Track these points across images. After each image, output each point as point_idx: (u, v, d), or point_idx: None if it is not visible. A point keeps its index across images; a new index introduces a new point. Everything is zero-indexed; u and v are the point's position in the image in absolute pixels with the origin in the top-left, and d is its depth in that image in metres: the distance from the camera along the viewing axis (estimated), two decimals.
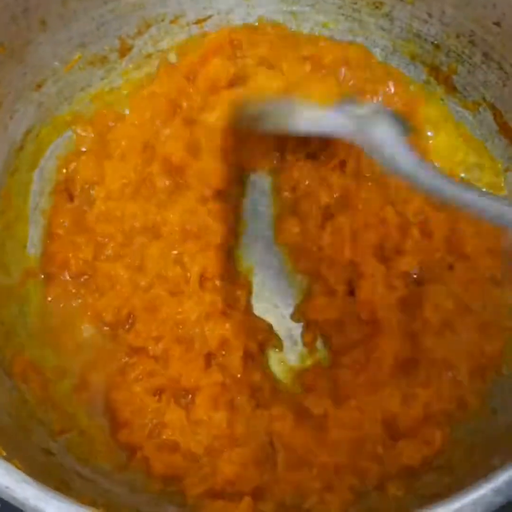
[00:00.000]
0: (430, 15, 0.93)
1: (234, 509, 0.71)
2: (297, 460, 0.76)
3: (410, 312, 0.83)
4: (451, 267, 0.87)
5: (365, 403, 0.78)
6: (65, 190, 0.93)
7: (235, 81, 0.93)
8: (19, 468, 0.57)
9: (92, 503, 0.57)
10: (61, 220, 0.90)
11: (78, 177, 0.92)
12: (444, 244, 0.87)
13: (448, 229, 0.87)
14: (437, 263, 0.86)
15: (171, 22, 1.00)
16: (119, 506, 0.71)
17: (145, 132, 0.92)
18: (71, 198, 0.93)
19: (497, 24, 0.87)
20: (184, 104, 0.93)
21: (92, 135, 0.95)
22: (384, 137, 0.72)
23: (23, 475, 0.56)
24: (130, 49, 0.99)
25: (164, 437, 0.77)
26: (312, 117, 0.82)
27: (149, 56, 1.01)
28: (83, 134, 0.95)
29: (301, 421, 0.78)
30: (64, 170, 0.94)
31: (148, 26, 0.99)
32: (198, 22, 1.01)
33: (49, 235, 0.90)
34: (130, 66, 1.00)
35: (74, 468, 0.74)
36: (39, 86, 0.92)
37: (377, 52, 1.00)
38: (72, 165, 0.94)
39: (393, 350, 0.80)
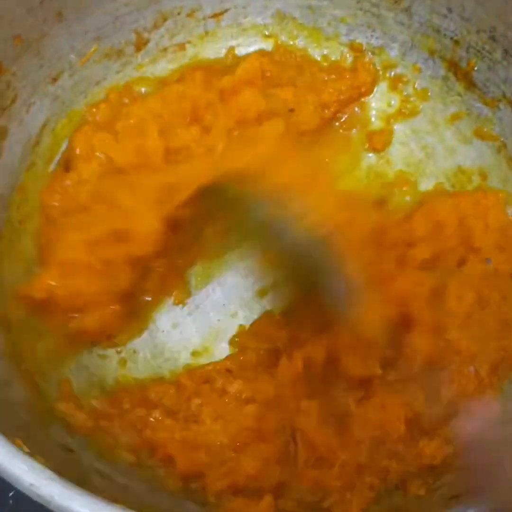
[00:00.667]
0: (450, 10, 0.93)
1: (254, 506, 0.71)
2: (318, 458, 0.76)
3: (436, 305, 0.82)
4: (463, 261, 0.86)
5: (389, 402, 0.77)
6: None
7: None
8: (42, 465, 0.56)
9: (112, 500, 0.57)
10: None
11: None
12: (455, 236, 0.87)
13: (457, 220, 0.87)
14: (450, 255, 0.86)
15: (188, 15, 0.99)
16: (138, 504, 0.70)
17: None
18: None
19: None
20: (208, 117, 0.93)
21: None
22: None
23: (48, 472, 0.55)
24: (146, 43, 0.98)
25: (191, 433, 0.77)
26: None
27: (165, 50, 1.00)
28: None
29: (325, 418, 0.77)
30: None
31: (165, 19, 0.98)
32: (214, 16, 1.00)
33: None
34: (146, 60, 0.99)
35: (93, 465, 0.73)
36: (55, 79, 0.91)
37: (396, 48, 0.99)
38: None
39: (425, 345, 0.80)
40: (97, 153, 0.91)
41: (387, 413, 0.77)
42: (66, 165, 0.92)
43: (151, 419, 0.79)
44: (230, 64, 1.00)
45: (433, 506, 0.67)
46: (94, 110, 0.95)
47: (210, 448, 0.76)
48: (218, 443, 0.77)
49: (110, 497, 0.56)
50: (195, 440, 0.77)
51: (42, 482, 0.54)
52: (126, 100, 0.96)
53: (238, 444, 0.76)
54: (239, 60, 0.99)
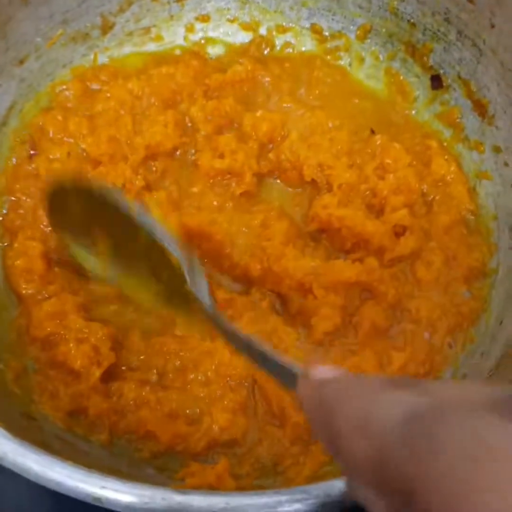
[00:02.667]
0: None
1: (210, 470, 0.73)
2: (272, 415, 0.79)
3: (402, 275, 0.86)
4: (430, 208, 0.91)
5: (341, 364, 0.80)
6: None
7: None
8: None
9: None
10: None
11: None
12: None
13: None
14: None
15: (153, 0, 1.01)
16: (100, 466, 0.72)
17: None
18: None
19: (471, 1, 0.88)
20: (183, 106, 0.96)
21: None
22: None
23: (2, 431, 0.57)
24: (112, 26, 1.01)
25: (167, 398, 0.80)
26: None
27: (130, 34, 1.02)
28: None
29: None
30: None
31: (130, 3, 1.00)
32: (178, 0, 1.02)
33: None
34: (112, 43, 1.01)
35: (55, 432, 0.76)
36: (21, 62, 0.93)
37: (355, 31, 1.02)
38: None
39: (372, 317, 0.83)
40: (69, 139, 0.93)
41: None
42: (33, 148, 0.94)
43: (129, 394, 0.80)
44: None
45: None
46: (66, 93, 0.97)
47: (188, 413, 0.79)
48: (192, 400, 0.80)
49: (70, 459, 0.58)
50: (172, 407, 0.79)
51: None
52: (96, 85, 0.99)
53: (209, 395, 0.80)
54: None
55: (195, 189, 0.93)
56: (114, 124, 0.93)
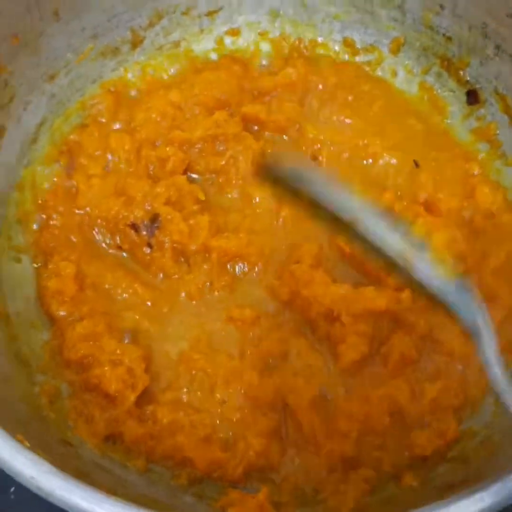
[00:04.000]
0: (442, 7, 0.94)
1: (251, 499, 0.72)
2: (304, 441, 0.78)
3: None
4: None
5: (372, 394, 0.79)
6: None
7: None
8: (43, 458, 0.57)
9: (111, 493, 0.58)
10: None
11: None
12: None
13: None
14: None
15: (183, 13, 1.00)
16: (136, 496, 0.71)
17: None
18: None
19: (510, 15, 0.87)
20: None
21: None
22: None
23: (48, 466, 0.56)
24: (141, 40, 0.99)
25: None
26: None
27: (160, 47, 1.01)
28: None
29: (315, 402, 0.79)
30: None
31: (160, 17, 0.99)
32: (209, 14, 1.01)
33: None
34: (142, 57, 1.00)
35: (92, 458, 0.75)
36: (52, 77, 0.92)
37: (388, 44, 1.01)
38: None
39: (401, 347, 0.81)
40: (108, 154, 0.92)
41: (371, 406, 0.78)
42: (70, 164, 0.93)
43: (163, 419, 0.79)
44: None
45: (427, 497, 0.68)
46: (98, 106, 0.96)
47: (222, 438, 0.78)
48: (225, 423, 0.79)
49: (109, 490, 0.57)
50: (206, 430, 0.78)
51: (43, 475, 0.55)
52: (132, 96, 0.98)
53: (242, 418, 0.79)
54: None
55: None
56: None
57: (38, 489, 0.56)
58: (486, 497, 0.56)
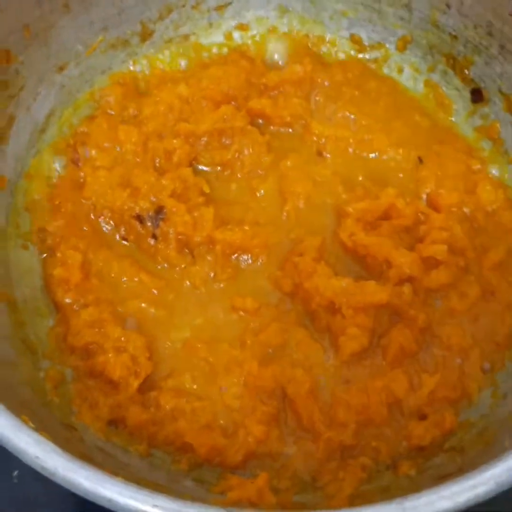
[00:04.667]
0: (448, 6, 0.95)
1: (250, 484, 0.73)
2: (303, 429, 0.79)
3: (433, 301, 0.85)
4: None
5: (370, 386, 0.80)
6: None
7: None
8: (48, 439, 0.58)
9: (113, 474, 0.59)
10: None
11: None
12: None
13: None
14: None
15: (192, 7, 1.01)
16: (138, 480, 0.72)
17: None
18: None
19: None
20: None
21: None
22: None
23: (53, 445, 0.57)
24: (151, 33, 1.00)
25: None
26: None
27: (170, 41, 1.02)
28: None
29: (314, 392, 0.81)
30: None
31: (170, 11, 1.00)
32: (218, 8, 1.02)
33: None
34: (152, 50, 1.01)
35: (96, 443, 0.76)
36: (61, 68, 0.94)
37: (395, 42, 1.02)
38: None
39: (401, 340, 0.82)
40: (116, 146, 0.93)
41: (370, 397, 0.79)
42: (78, 155, 0.94)
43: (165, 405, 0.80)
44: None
45: (423, 486, 0.69)
46: (107, 98, 0.97)
47: (223, 424, 0.79)
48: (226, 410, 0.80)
49: (111, 472, 0.58)
50: (207, 417, 0.79)
51: (47, 455, 0.57)
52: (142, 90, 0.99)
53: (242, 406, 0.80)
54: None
55: None
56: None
57: (42, 469, 0.57)
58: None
